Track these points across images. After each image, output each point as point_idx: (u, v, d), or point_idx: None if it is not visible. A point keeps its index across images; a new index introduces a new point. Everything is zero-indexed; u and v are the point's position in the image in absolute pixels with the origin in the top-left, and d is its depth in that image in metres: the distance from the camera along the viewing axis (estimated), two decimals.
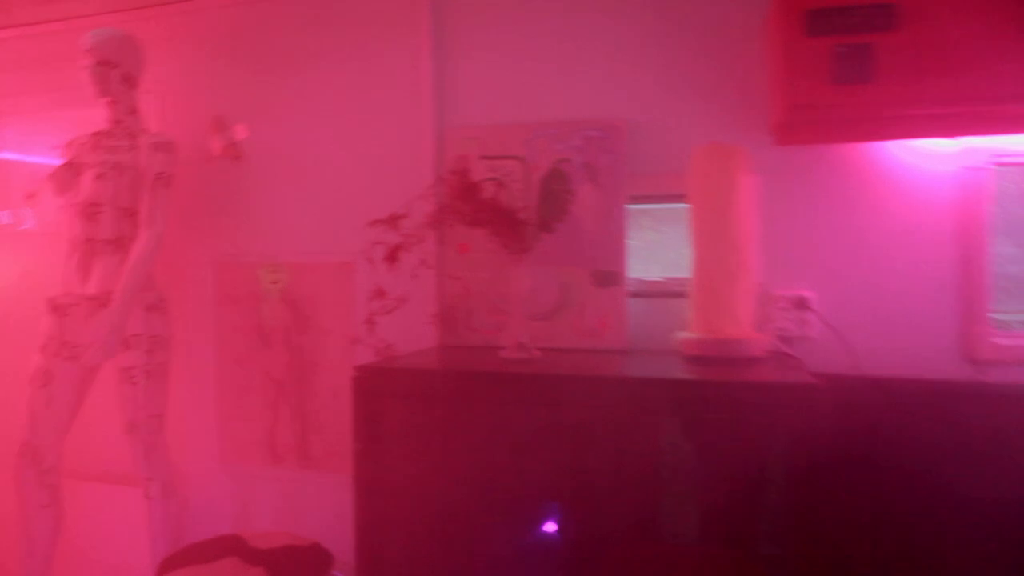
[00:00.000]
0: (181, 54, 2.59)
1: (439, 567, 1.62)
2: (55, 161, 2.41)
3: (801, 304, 1.90)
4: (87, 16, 2.65)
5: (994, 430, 1.66)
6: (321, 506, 2.39)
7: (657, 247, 2.06)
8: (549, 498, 1.52)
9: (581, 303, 2.00)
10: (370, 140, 2.32)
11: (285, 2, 2.45)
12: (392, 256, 1.84)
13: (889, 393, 1.74)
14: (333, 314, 2.34)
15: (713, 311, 1.74)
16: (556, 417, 1.52)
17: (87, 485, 2.61)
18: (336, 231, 2.34)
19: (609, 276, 1.98)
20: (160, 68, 2.53)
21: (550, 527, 1.51)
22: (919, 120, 1.68)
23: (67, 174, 2.35)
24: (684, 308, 1.80)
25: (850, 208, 1.89)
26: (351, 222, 2.28)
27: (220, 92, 2.53)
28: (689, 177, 1.79)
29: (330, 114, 2.37)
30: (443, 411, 1.63)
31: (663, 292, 2.00)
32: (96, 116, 2.37)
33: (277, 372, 2.43)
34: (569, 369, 1.69)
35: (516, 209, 1.82)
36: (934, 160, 1.85)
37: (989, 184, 1.83)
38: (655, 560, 1.46)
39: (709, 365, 1.66)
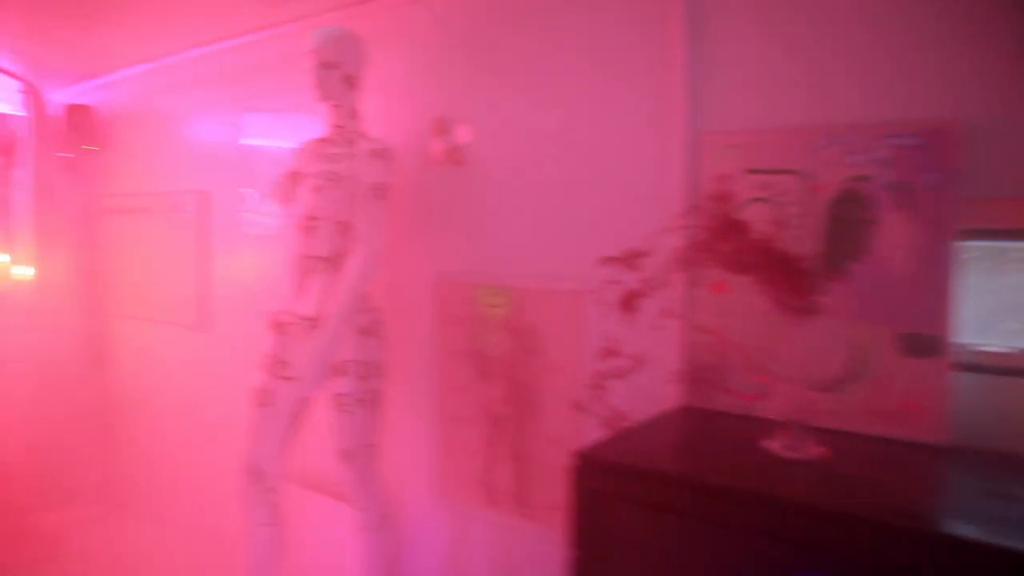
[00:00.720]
0: (406, 50, 2.38)
1: None
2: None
3: None
4: (314, 15, 2.53)
5: None
6: (537, 559, 2.11)
7: (1005, 303, 1.46)
8: None
9: (881, 375, 1.47)
10: (607, 147, 1.92)
11: None
12: (628, 303, 1.47)
13: None
14: (561, 349, 2.01)
15: None
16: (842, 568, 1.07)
17: (319, 498, 2.56)
18: (567, 253, 1.99)
19: (925, 341, 1.43)
20: (384, 66, 2.34)
21: None
22: None
23: (290, 184, 2.24)
24: None
25: None
26: (584, 244, 1.93)
27: (444, 91, 2.29)
28: None
29: (562, 116, 2.01)
30: (685, 527, 1.24)
31: (1011, 369, 1.41)
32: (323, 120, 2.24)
33: (495, 406, 2.17)
34: (864, 496, 1.20)
35: (797, 255, 1.35)
36: None
37: None
38: None
39: None
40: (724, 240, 1.36)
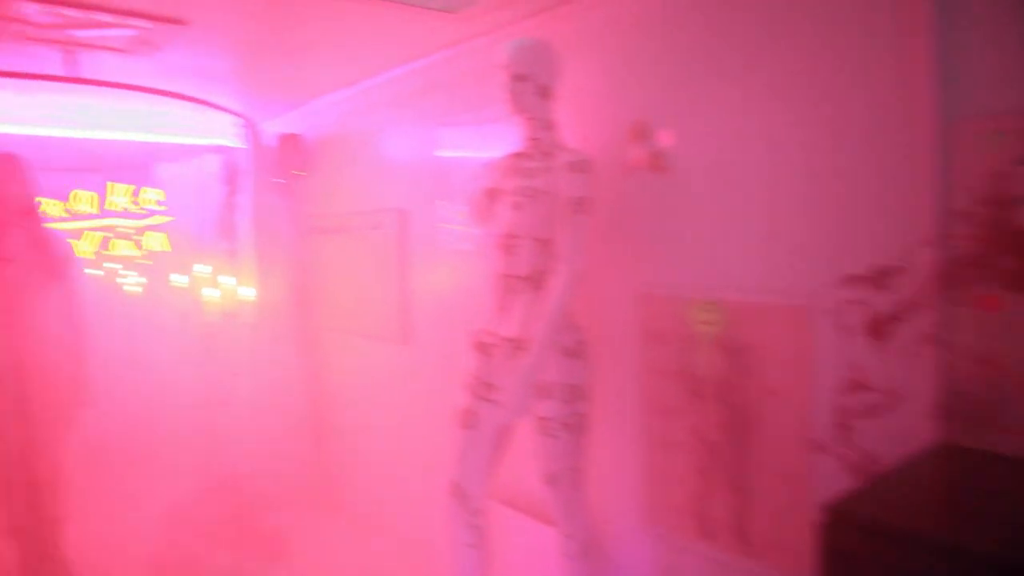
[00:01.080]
0: (601, 53, 2.26)
1: None
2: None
3: None
4: (504, 26, 2.48)
5: None
6: None
7: None
8: None
9: None
10: (835, 142, 1.69)
11: None
12: (879, 330, 1.26)
13: None
14: (785, 371, 1.80)
15: None
16: None
17: (526, 520, 2.52)
18: (788, 265, 1.79)
19: None
20: (578, 72, 2.24)
21: None
22: None
23: (487, 202, 2.20)
24: None
25: None
26: (808, 254, 1.72)
27: (642, 94, 2.15)
28: None
29: (778, 112, 1.81)
30: None
31: None
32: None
33: (710, 432, 2.00)
34: None
35: None
36: None
37: None
38: None
39: None
40: (1006, 253, 1.12)
